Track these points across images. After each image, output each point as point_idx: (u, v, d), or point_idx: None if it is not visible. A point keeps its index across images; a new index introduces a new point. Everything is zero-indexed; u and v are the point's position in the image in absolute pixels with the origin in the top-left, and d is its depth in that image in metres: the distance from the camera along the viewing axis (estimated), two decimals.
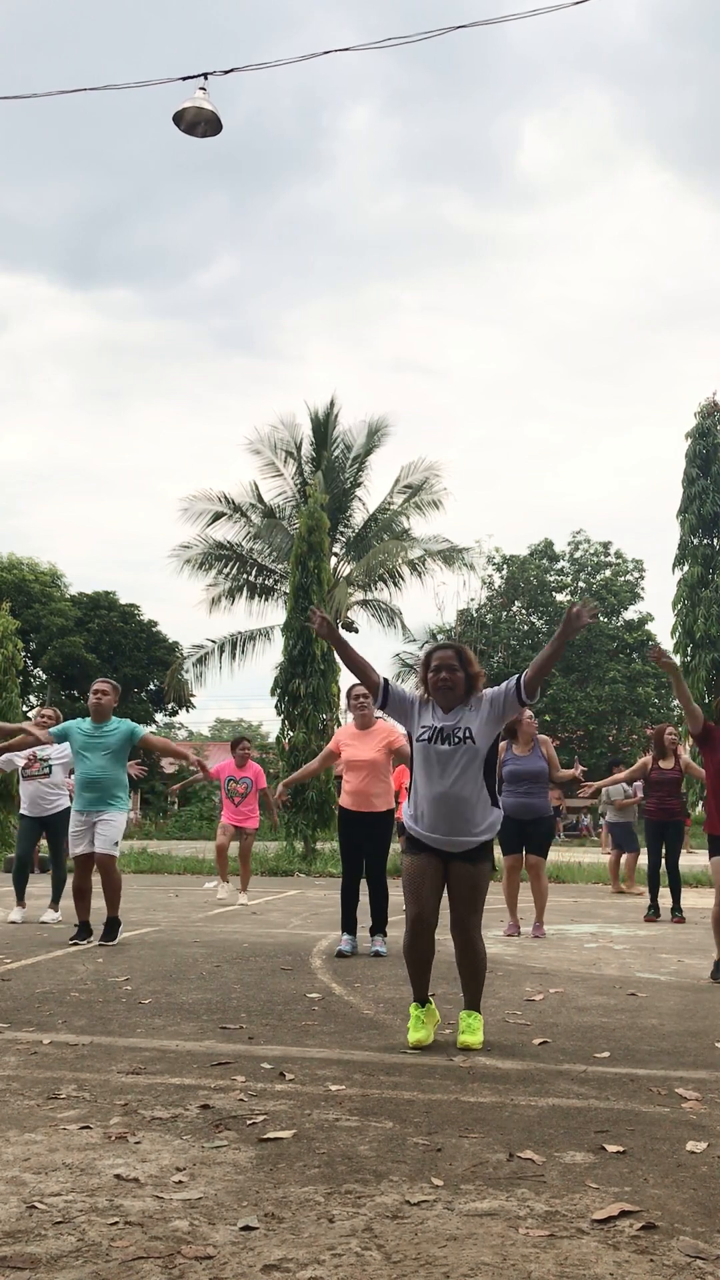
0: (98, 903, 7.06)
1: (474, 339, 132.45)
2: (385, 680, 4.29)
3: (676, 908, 9.16)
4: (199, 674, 30.35)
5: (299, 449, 29.54)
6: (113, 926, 6.80)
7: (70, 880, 6.96)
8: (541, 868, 7.80)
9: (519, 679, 4.06)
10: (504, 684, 4.11)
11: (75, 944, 6.71)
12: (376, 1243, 2.13)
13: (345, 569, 29.45)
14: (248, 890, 10.38)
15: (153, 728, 39.29)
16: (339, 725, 20.34)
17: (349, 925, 6.56)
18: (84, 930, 6.85)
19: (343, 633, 4.68)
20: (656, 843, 9.47)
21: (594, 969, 6.12)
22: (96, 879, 6.89)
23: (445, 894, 4.09)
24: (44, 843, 8.57)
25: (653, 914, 9.18)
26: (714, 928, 5.83)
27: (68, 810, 8.07)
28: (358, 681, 6.41)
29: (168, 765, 37.25)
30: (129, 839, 22.46)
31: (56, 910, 8.14)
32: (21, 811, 8.24)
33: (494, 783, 4.08)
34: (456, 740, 3.99)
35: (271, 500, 29.64)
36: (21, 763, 8.17)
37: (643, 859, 17.61)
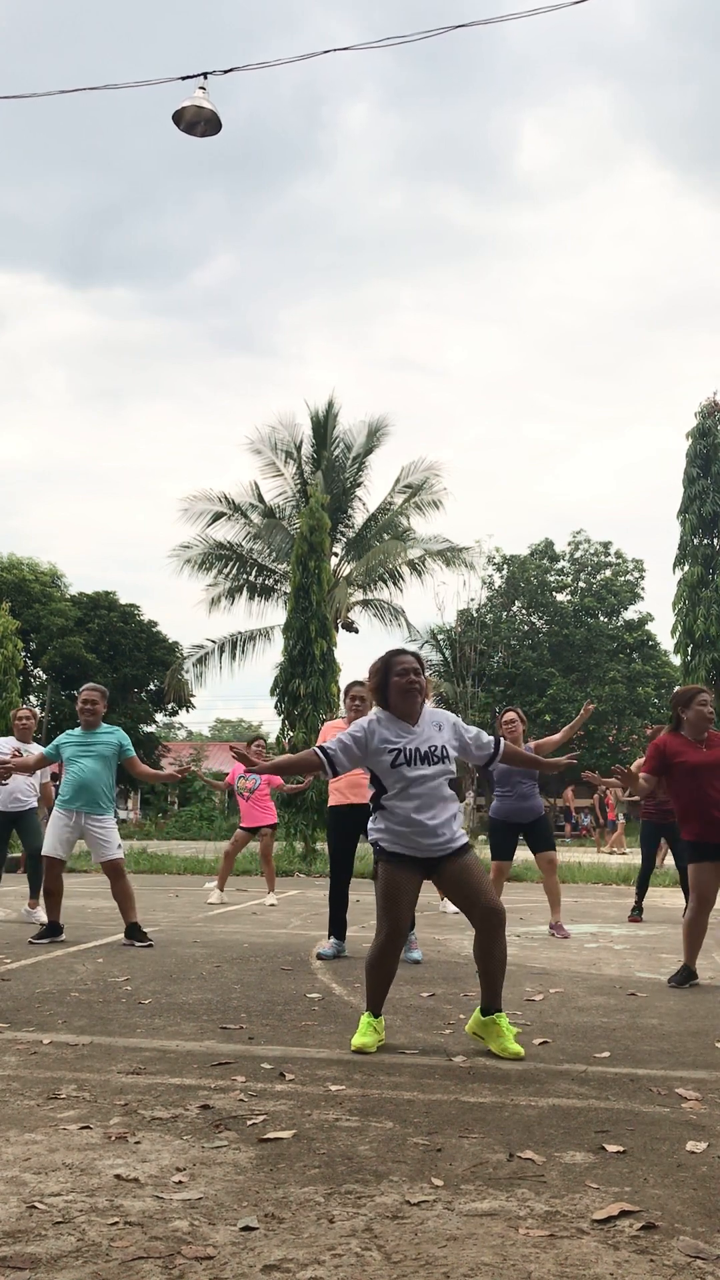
0: (111, 904, 7.06)
1: (472, 338, 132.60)
2: (320, 750, 4.10)
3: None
4: (199, 674, 30.36)
5: (299, 449, 29.53)
6: (137, 930, 6.75)
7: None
8: (554, 863, 7.72)
9: (501, 746, 4.12)
10: (484, 737, 4.09)
11: (36, 942, 6.67)
12: (376, 1243, 2.13)
13: (345, 569, 29.44)
14: (274, 890, 10.39)
15: (153, 728, 39.31)
16: None
17: (339, 930, 6.45)
18: (53, 929, 6.82)
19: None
20: (651, 845, 9.42)
21: (594, 969, 6.12)
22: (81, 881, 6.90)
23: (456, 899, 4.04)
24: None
25: (637, 915, 9.18)
26: (685, 934, 5.68)
27: (35, 809, 8.20)
28: (357, 680, 6.43)
29: (167, 764, 37.28)
30: (128, 839, 22.46)
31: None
32: None
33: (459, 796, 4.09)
34: (436, 760, 3.94)
35: (271, 500, 29.65)
36: (8, 753, 8.19)
37: (636, 859, 17.61)
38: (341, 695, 6.61)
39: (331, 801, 6.50)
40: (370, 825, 4.11)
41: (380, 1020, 4.00)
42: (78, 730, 6.84)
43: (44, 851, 6.83)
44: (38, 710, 8.68)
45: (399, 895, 3.95)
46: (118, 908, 6.85)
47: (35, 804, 8.33)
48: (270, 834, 10.24)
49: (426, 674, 4.13)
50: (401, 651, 4.13)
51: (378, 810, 4.05)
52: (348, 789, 6.36)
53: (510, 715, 7.74)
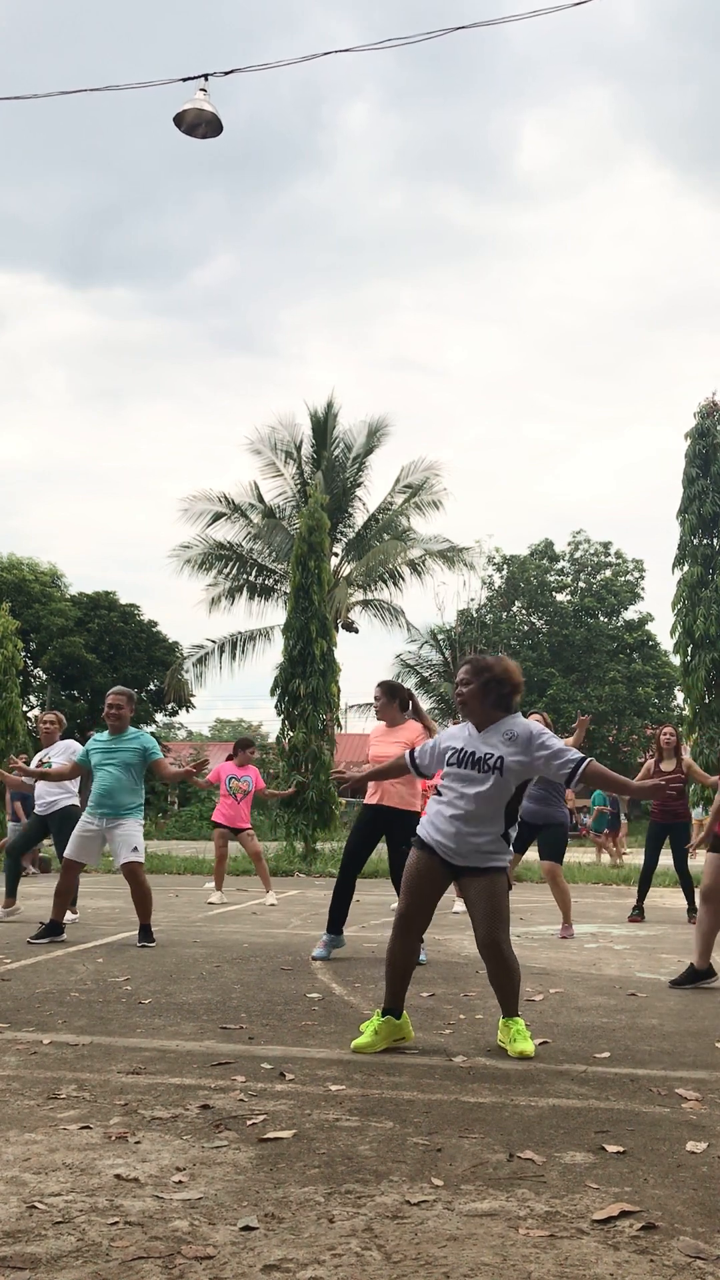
0: (123, 904, 7.05)
1: (472, 338, 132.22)
2: (408, 754, 4.33)
3: (692, 908, 9.13)
4: (199, 674, 30.40)
5: (299, 449, 29.57)
6: (146, 931, 6.75)
7: (61, 876, 6.91)
8: (558, 872, 7.64)
9: (583, 765, 3.89)
10: (566, 754, 3.91)
11: (35, 942, 6.64)
12: (376, 1243, 2.13)
13: (345, 569, 29.45)
14: (272, 889, 10.39)
15: (153, 728, 39.31)
16: (339, 725, 20.33)
17: (337, 924, 6.32)
18: (53, 929, 6.79)
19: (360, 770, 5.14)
20: (656, 846, 9.41)
21: (594, 969, 6.12)
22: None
23: (464, 905, 4.02)
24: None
25: (637, 915, 9.17)
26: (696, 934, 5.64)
27: (67, 809, 8.02)
28: (381, 681, 6.60)
29: (168, 763, 37.25)
30: None
31: (74, 911, 8.13)
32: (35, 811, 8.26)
33: (512, 821, 3.96)
34: (486, 768, 3.88)
35: (271, 500, 29.68)
36: (32, 765, 8.18)
37: (637, 859, 17.64)
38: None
39: (366, 800, 6.33)
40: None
41: (387, 1020, 3.91)
42: (105, 735, 6.84)
43: (65, 852, 6.86)
44: (61, 715, 8.53)
45: (420, 877, 3.96)
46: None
47: (66, 804, 7.93)
48: (252, 835, 10.24)
49: (500, 674, 3.98)
50: (468, 659, 4.12)
51: (434, 795, 4.10)
52: (382, 793, 6.22)
53: (532, 719, 7.47)
